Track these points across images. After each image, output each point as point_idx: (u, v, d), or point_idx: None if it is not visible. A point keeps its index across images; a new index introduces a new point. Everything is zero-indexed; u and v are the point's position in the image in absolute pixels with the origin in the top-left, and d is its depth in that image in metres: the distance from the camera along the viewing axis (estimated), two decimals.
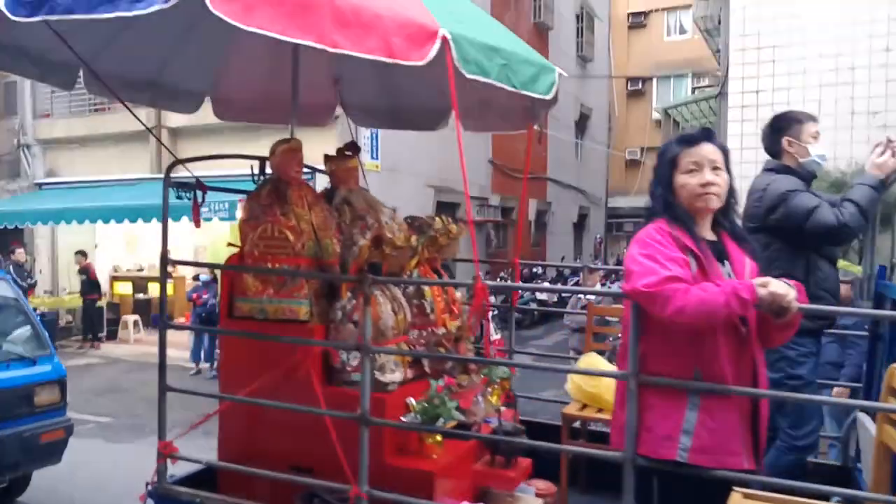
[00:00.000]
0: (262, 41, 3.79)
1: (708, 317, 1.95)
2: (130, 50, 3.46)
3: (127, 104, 3.48)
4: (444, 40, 2.33)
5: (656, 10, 25.08)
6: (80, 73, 3.44)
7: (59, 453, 5.01)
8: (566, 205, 21.17)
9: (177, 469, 2.97)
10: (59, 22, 2.89)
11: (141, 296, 13.96)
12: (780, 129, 3.08)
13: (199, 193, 3.12)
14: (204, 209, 11.15)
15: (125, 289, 14.29)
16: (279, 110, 4.22)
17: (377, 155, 12.02)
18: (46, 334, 5.29)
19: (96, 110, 13.81)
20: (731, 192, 2.24)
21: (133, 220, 10.82)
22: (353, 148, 3.48)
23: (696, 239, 2.15)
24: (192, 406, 3.22)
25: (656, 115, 22.63)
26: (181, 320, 12.35)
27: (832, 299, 2.89)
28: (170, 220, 10.77)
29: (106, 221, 11.26)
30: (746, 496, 1.85)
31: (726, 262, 2.20)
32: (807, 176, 3.00)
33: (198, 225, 3.15)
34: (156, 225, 10.56)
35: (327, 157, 3.47)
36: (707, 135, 2.25)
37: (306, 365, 2.80)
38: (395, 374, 2.87)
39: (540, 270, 15.56)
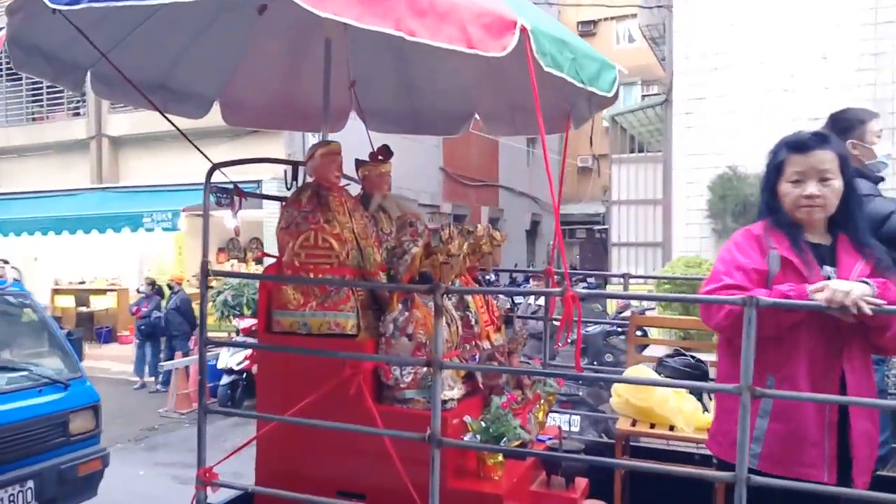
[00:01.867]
0: (277, 43, 3.67)
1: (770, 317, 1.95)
2: (139, 51, 3.26)
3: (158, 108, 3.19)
4: (524, 31, 2.19)
5: (605, 19, 25.63)
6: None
7: (94, 487, 4.56)
8: (518, 212, 21.32)
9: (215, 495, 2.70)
10: (79, 18, 2.69)
11: (84, 309, 13.27)
12: (844, 130, 2.97)
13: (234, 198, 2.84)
14: (146, 219, 10.80)
15: (67, 302, 13.58)
16: (293, 115, 4.03)
17: None
18: (76, 355, 4.84)
19: (34, 119, 13.23)
20: (851, 196, 2.18)
21: (72, 232, 10.38)
22: (385, 153, 3.29)
23: (795, 244, 2.12)
24: (137, 421, 3.02)
25: (605, 123, 23.19)
26: (125, 334, 11.90)
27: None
28: (111, 232, 10.34)
29: (45, 233, 10.72)
30: None
31: (825, 267, 2.14)
32: (874, 178, 2.96)
33: (237, 233, 2.90)
34: (97, 236, 10.14)
35: (359, 162, 3.27)
36: (820, 140, 2.17)
37: (357, 382, 2.59)
38: (453, 391, 2.69)
39: (493, 277, 15.51)
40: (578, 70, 2.54)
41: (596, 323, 6.81)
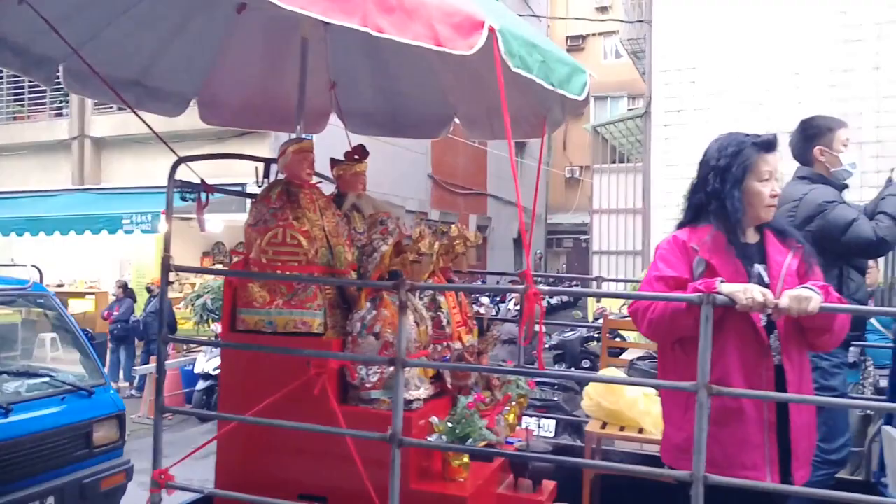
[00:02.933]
0: (255, 42, 3.65)
1: (671, 320, 1.99)
2: (114, 47, 3.24)
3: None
4: (492, 31, 2.19)
5: (594, 35, 25.92)
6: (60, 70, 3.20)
7: (117, 502, 4.23)
8: (506, 220, 21.37)
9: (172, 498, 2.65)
10: (48, 10, 2.66)
11: (52, 313, 13.01)
12: (812, 136, 3.02)
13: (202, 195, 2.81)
14: (125, 221, 10.60)
15: None
16: (270, 115, 4.01)
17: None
18: (99, 361, 4.55)
19: (15, 119, 13.10)
20: None
21: (49, 234, 10.26)
22: (360, 152, 3.28)
23: (736, 245, 2.14)
24: None
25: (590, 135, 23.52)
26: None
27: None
28: (89, 233, 10.10)
29: (20, 234, 10.60)
30: None
31: (756, 266, 2.17)
32: (839, 185, 2.99)
33: (203, 228, 2.87)
34: (75, 238, 10.02)
35: (334, 162, 3.26)
36: (777, 141, 2.19)
37: (321, 382, 2.56)
38: (419, 391, 2.66)
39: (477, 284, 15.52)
40: (548, 73, 2.54)
41: (574, 327, 6.82)
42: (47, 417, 3.73)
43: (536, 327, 2.28)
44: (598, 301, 8.57)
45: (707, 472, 1.95)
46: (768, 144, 2.17)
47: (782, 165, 2.33)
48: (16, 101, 13.01)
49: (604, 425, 3.21)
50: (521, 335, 2.37)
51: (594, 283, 3.98)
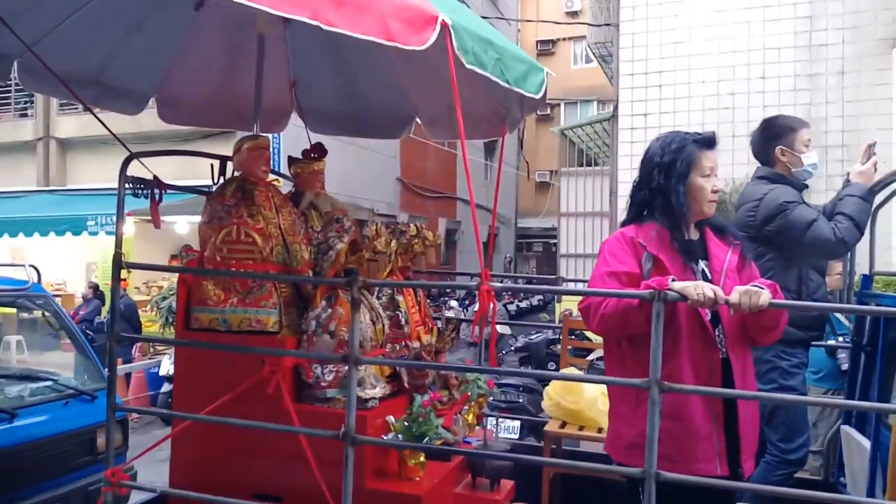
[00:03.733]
0: (214, 40, 3.61)
1: (623, 316, 1.99)
2: (71, 44, 3.18)
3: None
4: (445, 26, 2.18)
5: (563, 39, 26.08)
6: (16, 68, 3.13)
7: None
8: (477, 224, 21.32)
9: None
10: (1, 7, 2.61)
11: (26, 315, 12.74)
12: (773, 136, 3.02)
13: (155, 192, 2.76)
14: (90, 222, 10.32)
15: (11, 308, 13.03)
16: (229, 114, 3.96)
17: (278, 168, 11.69)
18: (100, 364, 4.32)
19: None
20: None
21: (13, 236, 10.03)
22: (318, 150, 3.25)
23: (680, 241, 2.17)
24: None
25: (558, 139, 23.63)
26: (66, 341, 11.51)
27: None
28: (53, 235, 9.74)
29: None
30: None
31: (700, 261, 2.21)
32: (799, 185, 3.01)
33: (157, 226, 2.82)
34: (39, 240, 9.82)
35: (291, 160, 3.23)
36: (716, 138, 2.24)
37: (276, 380, 2.52)
38: (375, 390, 2.64)
39: (450, 290, 15.45)
40: (504, 70, 2.53)
41: (540, 327, 6.81)
42: (52, 423, 3.51)
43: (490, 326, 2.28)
44: (559, 302, 8.60)
45: (660, 467, 1.96)
46: (709, 141, 2.21)
47: (745, 166, 2.37)
48: None
49: (563, 425, 3.21)
50: (474, 332, 2.35)
51: (557, 285, 3.98)
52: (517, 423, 4.84)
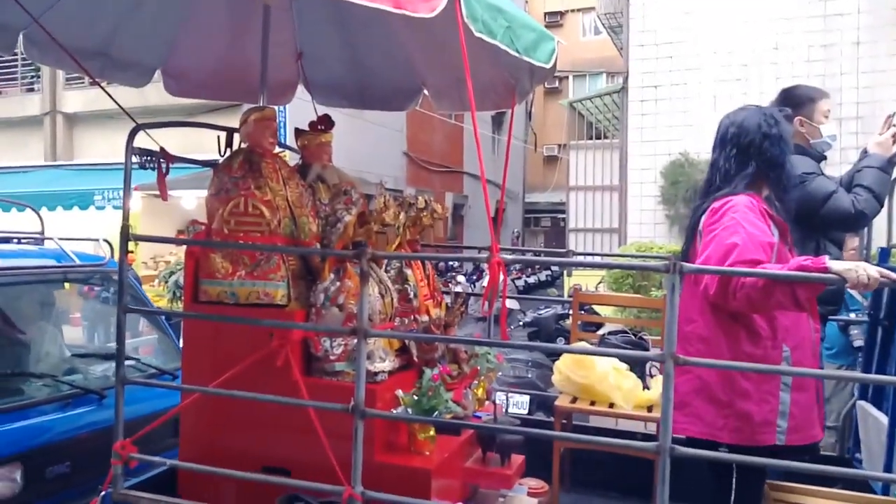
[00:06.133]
0: (219, 12, 3.54)
1: (773, 293, 1.96)
2: (76, 16, 3.12)
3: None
4: None
5: (572, 11, 25.73)
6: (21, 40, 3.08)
7: None
8: (483, 198, 21.24)
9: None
10: None
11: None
12: (793, 106, 2.92)
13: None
14: (97, 197, 10.27)
15: None
16: (235, 87, 3.89)
17: (284, 140, 11.62)
18: (176, 342, 4.10)
19: None
20: None
21: (21, 210, 10.01)
22: (325, 122, 3.20)
23: (786, 215, 2.27)
24: None
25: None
26: (76, 315, 11.59)
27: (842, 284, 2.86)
28: (61, 209, 9.58)
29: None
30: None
31: None
32: (818, 157, 2.95)
33: (164, 198, 2.80)
34: (47, 215, 9.76)
35: (298, 132, 3.18)
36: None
37: (284, 353, 2.50)
38: (384, 363, 2.62)
39: (456, 264, 15.42)
40: (514, 39, 2.47)
41: (549, 302, 6.78)
42: (140, 403, 3.22)
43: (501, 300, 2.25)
44: (569, 276, 8.57)
45: (791, 440, 2.06)
46: (788, 117, 2.32)
47: None
48: None
49: (574, 400, 3.20)
50: (484, 305, 2.32)
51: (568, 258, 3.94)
52: (526, 399, 4.84)
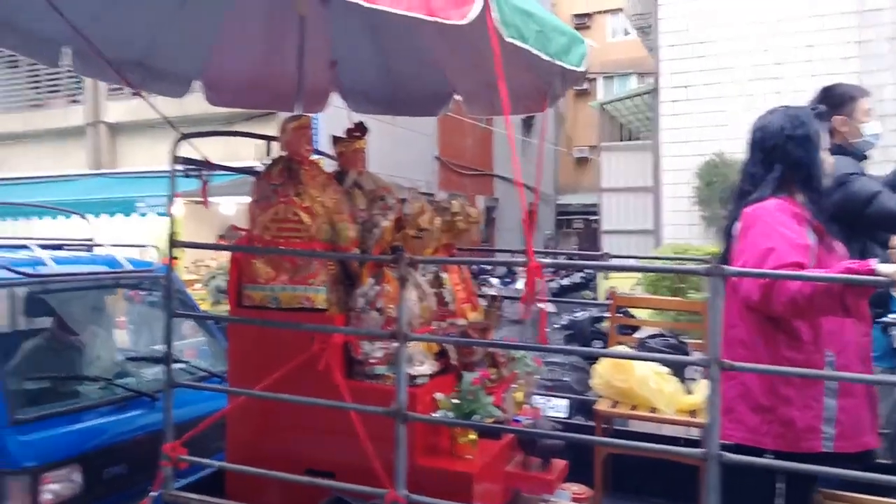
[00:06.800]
0: (255, 22, 3.61)
1: (818, 299, 1.92)
2: (116, 28, 3.21)
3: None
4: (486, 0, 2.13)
5: (599, 13, 25.52)
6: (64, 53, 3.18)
7: None
8: (515, 201, 21.00)
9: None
10: None
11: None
12: (834, 105, 2.86)
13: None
14: (140, 204, 10.46)
15: None
16: (271, 95, 3.98)
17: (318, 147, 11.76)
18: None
19: (33, 106, 13.18)
20: None
21: (67, 217, 10.30)
22: (360, 129, 3.25)
23: (822, 217, 2.18)
24: None
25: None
26: (121, 318, 11.86)
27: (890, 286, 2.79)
28: (106, 217, 9.70)
29: (41, 218, 10.64)
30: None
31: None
32: (859, 155, 2.89)
33: (207, 205, 2.87)
34: (96, 222, 10.00)
35: (335, 139, 3.23)
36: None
37: (326, 357, 2.54)
38: (423, 367, 2.64)
39: (489, 266, 15.34)
40: (545, 43, 2.48)
41: (584, 305, 6.73)
42: (189, 406, 3.22)
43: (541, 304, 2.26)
44: (607, 278, 8.49)
45: (839, 447, 2.02)
46: (822, 115, 2.24)
47: None
48: (32, 88, 13.08)
49: (614, 404, 3.17)
50: (523, 310, 2.33)
51: (604, 262, 3.92)
52: (564, 402, 4.81)
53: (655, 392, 3.13)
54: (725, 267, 1.90)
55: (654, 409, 3.16)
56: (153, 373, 3.55)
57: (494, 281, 11.25)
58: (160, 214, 9.61)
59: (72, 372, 3.38)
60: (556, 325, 6.95)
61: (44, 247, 3.57)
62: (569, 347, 4.46)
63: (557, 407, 4.82)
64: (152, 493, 2.56)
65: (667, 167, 8.71)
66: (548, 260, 2.18)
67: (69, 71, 3.28)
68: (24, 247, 3.54)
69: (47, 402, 3.07)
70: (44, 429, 2.87)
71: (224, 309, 9.19)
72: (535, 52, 2.40)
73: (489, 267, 15.07)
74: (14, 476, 2.69)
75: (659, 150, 8.85)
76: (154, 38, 3.45)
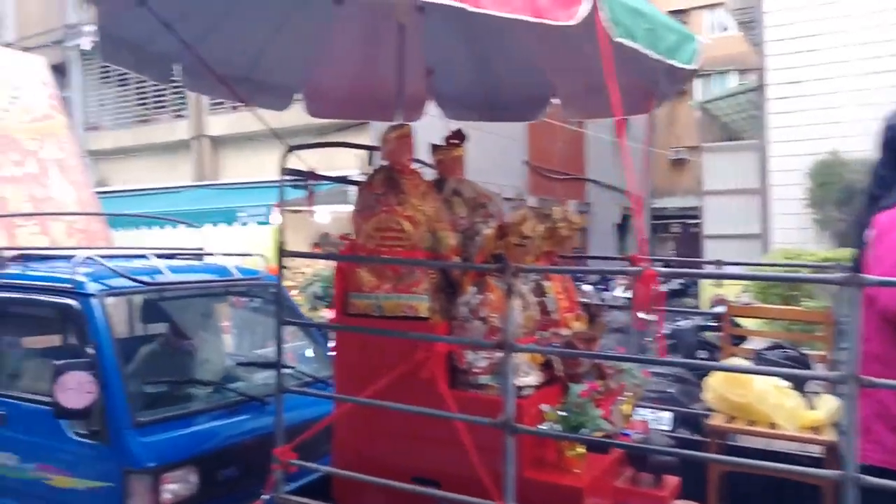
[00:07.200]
0: (353, 33, 3.68)
1: None
2: (223, 45, 3.34)
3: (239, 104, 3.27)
4: None
5: (696, 8, 24.58)
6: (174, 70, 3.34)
7: None
8: (607, 205, 20.55)
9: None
10: (164, 11, 2.79)
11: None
12: None
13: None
14: (241, 214, 10.80)
15: None
16: (369, 105, 4.02)
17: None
18: (326, 349, 4.20)
19: (141, 122, 14.03)
20: None
21: (175, 227, 10.84)
22: (459, 136, 3.23)
23: None
24: None
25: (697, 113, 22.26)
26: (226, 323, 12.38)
27: None
28: (210, 226, 10.05)
29: (150, 228, 11.25)
30: None
31: None
32: None
33: (313, 216, 2.93)
34: (195, 230, 10.50)
35: (434, 147, 3.23)
36: None
37: (430, 366, 2.53)
38: (529, 378, 2.58)
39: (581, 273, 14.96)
40: (655, 41, 2.38)
41: (688, 314, 6.43)
42: (296, 410, 3.15)
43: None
44: (719, 286, 8.10)
45: None
46: None
47: None
48: (140, 104, 13.94)
49: (730, 419, 3.00)
50: (635, 320, 2.24)
51: (711, 269, 3.72)
52: (667, 415, 4.61)
53: (776, 407, 2.94)
54: (864, 276, 1.75)
55: (773, 425, 2.97)
56: (262, 377, 3.65)
57: (587, 287, 10.99)
58: (260, 223, 9.99)
59: (186, 376, 3.54)
60: (657, 334, 6.68)
61: (159, 256, 3.76)
62: (690, 362, 4.21)
63: (661, 419, 4.63)
64: (264, 497, 2.62)
65: (775, 168, 8.24)
66: (664, 269, 2.08)
67: (174, 88, 3.45)
68: (143, 256, 3.73)
69: (165, 405, 3.22)
70: (162, 431, 3.01)
71: (320, 315, 9.46)
72: (644, 51, 2.30)
73: (580, 273, 14.75)
74: (138, 476, 2.83)
75: (767, 149, 8.39)
76: (258, 54, 3.57)
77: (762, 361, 3.10)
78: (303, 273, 11.06)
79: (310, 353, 4.37)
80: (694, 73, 2.76)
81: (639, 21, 2.32)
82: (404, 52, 3.34)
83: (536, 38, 3.28)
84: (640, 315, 2.35)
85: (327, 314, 8.90)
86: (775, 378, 2.94)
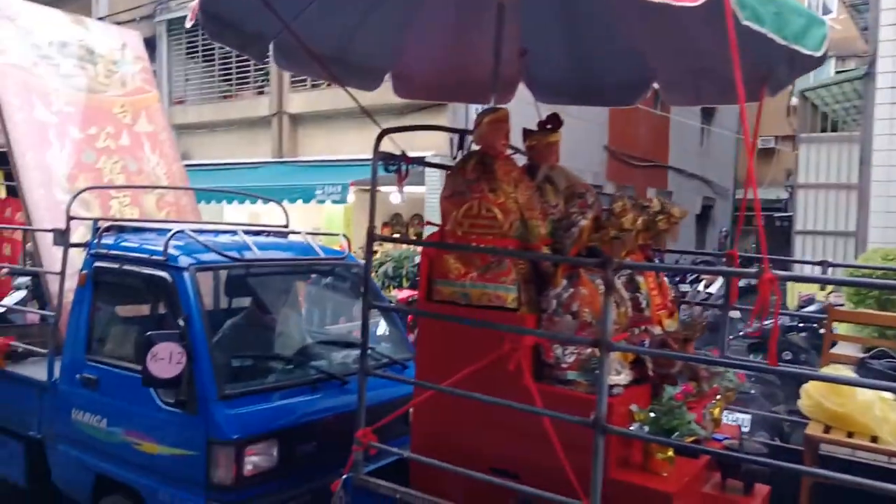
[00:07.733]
0: (447, 13, 3.60)
1: None
2: (318, 24, 3.33)
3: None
4: None
5: None
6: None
7: None
8: (688, 195, 19.77)
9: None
10: None
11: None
12: None
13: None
14: (318, 191, 10.89)
15: None
16: (459, 86, 3.97)
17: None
18: (404, 332, 4.22)
19: (224, 97, 14.36)
20: None
21: (253, 202, 11.05)
22: (554, 121, 3.13)
23: None
24: None
25: (793, 101, 20.95)
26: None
27: None
28: (287, 202, 10.09)
29: (230, 202, 11.51)
30: None
31: None
32: None
33: (401, 199, 2.91)
34: (273, 206, 10.70)
35: (527, 132, 3.14)
36: None
37: (517, 358, 2.47)
38: (620, 376, 2.49)
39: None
40: (782, 25, 2.22)
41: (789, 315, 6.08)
42: (376, 391, 3.11)
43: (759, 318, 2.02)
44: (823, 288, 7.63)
45: None
46: None
47: None
48: (224, 81, 14.30)
49: (827, 429, 2.83)
50: (752, 324, 2.11)
51: (823, 269, 3.49)
52: (746, 417, 4.42)
53: (880, 420, 2.75)
54: None
55: (874, 439, 2.79)
56: (341, 356, 3.68)
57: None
58: (335, 202, 10.09)
59: (269, 352, 3.60)
60: (740, 332, 6.43)
61: (247, 232, 3.82)
62: (793, 369, 3.92)
63: (738, 421, 4.45)
64: (344, 476, 2.64)
65: (878, 162, 7.69)
66: (785, 273, 1.95)
67: (257, 65, 3.48)
68: (232, 232, 3.80)
69: (249, 378, 3.29)
70: (247, 404, 3.07)
71: (391, 295, 9.54)
72: (770, 35, 2.15)
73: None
74: (222, 446, 2.90)
75: (871, 142, 7.85)
76: (351, 34, 3.55)
77: (866, 370, 2.90)
78: (374, 252, 11.20)
79: (381, 330, 4.38)
80: (820, 61, 2.56)
81: (766, 3, 2.17)
82: (502, 32, 3.26)
83: (640, 20, 3.14)
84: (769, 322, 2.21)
85: (396, 294, 8.98)
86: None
